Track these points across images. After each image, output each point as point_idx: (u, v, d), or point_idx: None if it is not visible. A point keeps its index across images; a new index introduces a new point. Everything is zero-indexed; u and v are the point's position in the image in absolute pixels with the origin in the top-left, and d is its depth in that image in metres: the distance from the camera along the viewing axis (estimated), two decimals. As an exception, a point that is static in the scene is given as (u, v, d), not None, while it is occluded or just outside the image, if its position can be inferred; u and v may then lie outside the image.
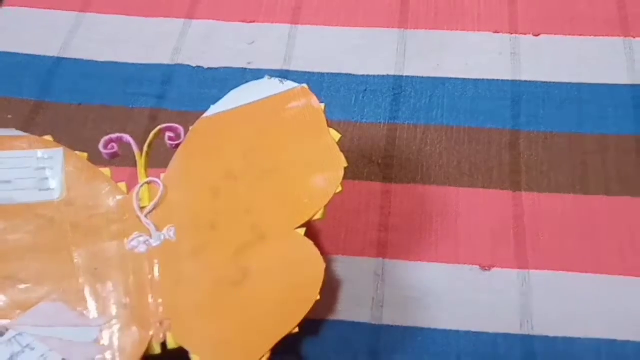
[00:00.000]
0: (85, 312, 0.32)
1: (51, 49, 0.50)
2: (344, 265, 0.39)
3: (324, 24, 0.50)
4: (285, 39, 0.50)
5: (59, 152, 0.37)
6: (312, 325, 0.32)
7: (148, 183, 0.36)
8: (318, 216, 0.33)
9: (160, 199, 0.36)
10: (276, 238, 0.33)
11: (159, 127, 0.37)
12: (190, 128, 0.38)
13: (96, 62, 0.49)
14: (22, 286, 0.33)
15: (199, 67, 0.48)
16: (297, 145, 0.35)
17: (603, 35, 0.48)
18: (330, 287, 0.32)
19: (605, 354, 0.35)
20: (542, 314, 0.36)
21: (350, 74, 0.47)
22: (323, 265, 0.32)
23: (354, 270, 0.38)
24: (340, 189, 0.34)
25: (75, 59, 0.49)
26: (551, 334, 0.36)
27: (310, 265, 0.33)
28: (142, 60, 0.49)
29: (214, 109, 0.38)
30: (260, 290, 0.32)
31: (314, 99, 0.36)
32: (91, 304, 0.33)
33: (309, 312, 0.31)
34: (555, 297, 0.37)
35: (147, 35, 0.50)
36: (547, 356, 0.35)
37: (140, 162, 0.37)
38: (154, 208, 0.35)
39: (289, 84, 0.38)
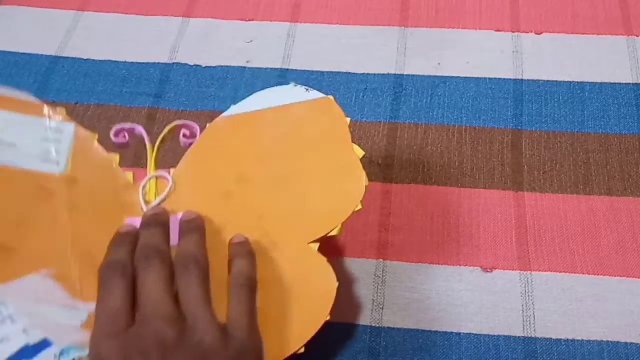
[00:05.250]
0: (75, 294, 0.31)
1: (48, 48, 0.49)
2: (343, 267, 0.38)
3: (324, 22, 0.50)
4: (284, 37, 0.49)
5: (69, 126, 0.35)
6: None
7: (157, 177, 0.35)
8: (334, 232, 0.32)
9: (167, 196, 0.34)
10: (288, 249, 0.32)
11: (174, 123, 0.36)
12: (208, 125, 0.36)
13: (93, 60, 0.49)
14: (12, 257, 0.31)
15: (196, 65, 0.48)
16: (318, 156, 0.34)
17: (605, 34, 0.48)
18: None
19: (607, 356, 0.35)
20: (544, 316, 0.36)
21: (349, 73, 0.47)
22: (335, 284, 0.31)
23: (353, 271, 0.38)
24: (360, 206, 0.32)
25: (72, 58, 0.49)
26: (553, 335, 0.35)
27: (321, 282, 0.31)
28: (140, 59, 0.48)
29: (233, 109, 0.37)
30: (268, 300, 0.31)
31: (340, 111, 0.35)
32: (83, 287, 0.31)
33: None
34: (557, 298, 0.37)
35: (144, 34, 0.50)
36: (549, 358, 0.35)
37: (151, 155, 0.35)
38: (160, 204, 0.34)
39: (315, 93, 0.36)
